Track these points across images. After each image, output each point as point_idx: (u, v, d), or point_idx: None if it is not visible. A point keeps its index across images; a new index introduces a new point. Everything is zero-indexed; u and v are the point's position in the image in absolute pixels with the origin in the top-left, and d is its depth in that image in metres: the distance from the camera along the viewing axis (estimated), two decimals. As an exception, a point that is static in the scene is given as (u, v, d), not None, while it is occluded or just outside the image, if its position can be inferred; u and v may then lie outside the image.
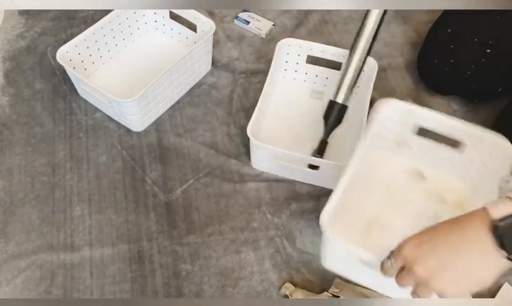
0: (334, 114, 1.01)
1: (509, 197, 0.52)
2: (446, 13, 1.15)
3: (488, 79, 1.09)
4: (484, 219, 0.52)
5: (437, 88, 1.18)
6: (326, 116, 1.03)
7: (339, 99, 1.01)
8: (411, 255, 0.56)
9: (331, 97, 1.02)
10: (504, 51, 1.05)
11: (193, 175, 1.04)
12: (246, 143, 1.09)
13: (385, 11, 0.98)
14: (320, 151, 1.02)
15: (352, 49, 1.01)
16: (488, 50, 1.05)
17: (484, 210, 0.52)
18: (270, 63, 1.18)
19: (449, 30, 1.11)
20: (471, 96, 1.16)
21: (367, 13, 0.98)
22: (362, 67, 1.01)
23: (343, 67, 1.02)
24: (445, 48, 1.11)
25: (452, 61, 1.10)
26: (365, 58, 1.01)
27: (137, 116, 1.05)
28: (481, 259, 0.52)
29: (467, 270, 0.53)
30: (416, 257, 0.55)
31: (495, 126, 1.06)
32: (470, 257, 0.53)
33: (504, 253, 0.51)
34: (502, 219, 0.51)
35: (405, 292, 0.61)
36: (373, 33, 0.99)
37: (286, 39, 1.12)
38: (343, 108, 1.01)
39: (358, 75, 1.01)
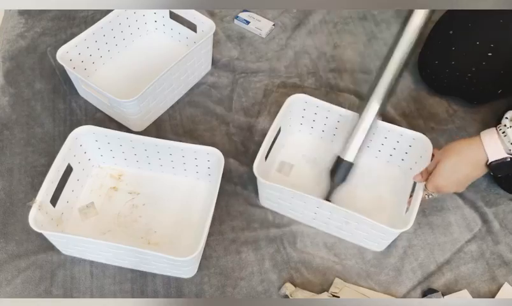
0: (341, 172, 0.96)
1: (500, 135, 0.81)
2: (448, 15, 1.15)
3: (488, 81, 1.09)
4: (483, 157, 0.82)
5: (438, 89, 1.18)
6: (332, 173, 0.97)
7: (348, 157, 0.95)
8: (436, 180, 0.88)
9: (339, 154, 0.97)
10: (505, 54, 1.05)
11: (193, 175, 1.03)
12: (244, 142, 1.09)
13: (397, 82, 0.91)
14: None
15: (364, 108, 0.94)
16: (489, 53, 1.05)
17: (484, 151, 0.82)
18: (270, 63, 1.18)
19: (451, 32, 1.11)
20: (471, 98, 1.16)
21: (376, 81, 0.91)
22: (372, 128, 0.95)
23: (354, 126, 0.95)
24: (446, 49, 1.11)
25: (453, 63, 1.09)
26: (375, 120, 0.94)
27: (137, 116, 1.05)
28: (475, 174, 0.86)
29: (465, 181, 0.87)
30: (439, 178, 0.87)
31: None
32: (470, 174, 0.86)
33: (488, 170, 0.84)
34: (495, 161, 0.81)
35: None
36: (383, 96, 0.92)
37: (301, 95, 1.02)
38: (350, 166, 0.96)
39: (367, 135, 0.95)
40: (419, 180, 0.91)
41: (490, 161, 0.82)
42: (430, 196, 0.91)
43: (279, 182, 0.92)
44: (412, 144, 0.99)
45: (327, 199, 0.97)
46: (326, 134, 1.07)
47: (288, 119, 1.04)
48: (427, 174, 0.90)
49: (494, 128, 0.83)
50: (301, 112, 1.05)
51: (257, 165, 0.91)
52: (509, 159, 0.81)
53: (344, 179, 0.97)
